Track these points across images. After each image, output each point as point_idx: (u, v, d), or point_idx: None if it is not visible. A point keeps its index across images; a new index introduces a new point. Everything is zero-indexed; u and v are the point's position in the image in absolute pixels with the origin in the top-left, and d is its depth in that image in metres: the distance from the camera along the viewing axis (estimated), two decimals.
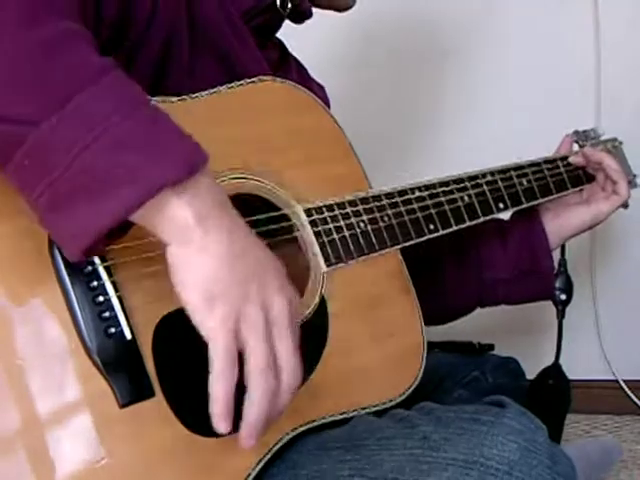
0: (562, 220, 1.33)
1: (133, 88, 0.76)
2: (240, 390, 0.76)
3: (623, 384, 1.95)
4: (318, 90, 1.29)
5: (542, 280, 1.32)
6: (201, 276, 0.75)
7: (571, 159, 1.34)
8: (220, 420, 0.75)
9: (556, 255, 1.36)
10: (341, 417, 0.97)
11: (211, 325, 0.74)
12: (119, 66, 0.76)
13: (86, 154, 0.71)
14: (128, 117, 0.73)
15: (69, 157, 0.71)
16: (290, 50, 1.31)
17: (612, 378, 1.96)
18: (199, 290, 0.74)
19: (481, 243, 1.33)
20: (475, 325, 1.80)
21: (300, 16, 1.24)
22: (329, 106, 1.23)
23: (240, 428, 0.77)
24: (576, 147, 1.41)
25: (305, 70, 1.33)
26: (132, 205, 0.72)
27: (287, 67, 1.27)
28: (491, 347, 1.39)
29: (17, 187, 0.75)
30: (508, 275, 1.32)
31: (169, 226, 0.74)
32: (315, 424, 0.95)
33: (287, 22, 1.24)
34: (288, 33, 1.27)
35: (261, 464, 0.88)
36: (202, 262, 0.75)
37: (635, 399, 1.93)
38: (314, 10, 1.27)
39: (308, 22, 1.27)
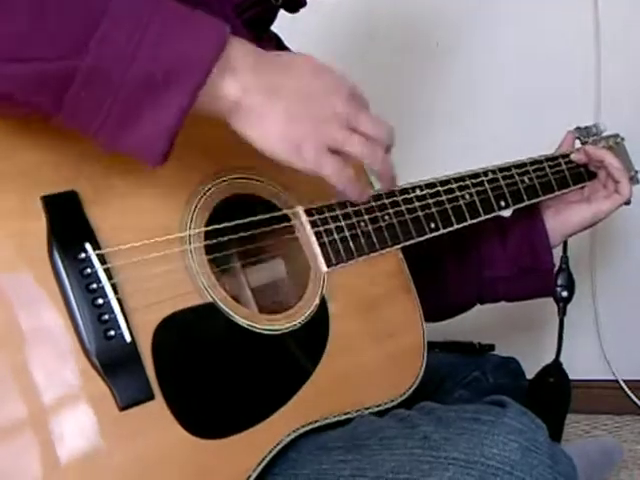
0: (563, 217, 1.33)
1: None
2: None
3: (623, 384, 1.95)
4: None
5: (542, 278, 1.32)
6: (274, 132, 0.83)
7: (572, 156, 1.34)
8: (363, 196, 0.94)
9: (558, 252, 1.35)
10: (343, 417, 0.97)
11: (311, 164, 0.85)
12: None
13: (135, 64, 0.75)
14: (157, 16, 0.76)
15: (121, 72, 0.75)
16: (291, 47, 1.31)
17: (612, 378, 1.96)
18: (280, 146, 0.84)
19: (481, 241, 1.33)
20: (475, 325, 1.80)
21: (294, 5, 1.24)
22: None
23: (382, 183, 0.97)
24: (578, 143, 1.41)
25: None
26: (192, 94, 0.77)
27: None
28: (491, 347, 1.39)
29: (76, 122, 0.77)
30: (508, 273, 1.32)
31: (224, 103, 0.81)
32: (317, 425, 0.95)
33: (286, 17, 1.23)
34: (287, 29, 1.27)
35: (262, 465, 0.88)
36: (269, 124, 0.83)
37: (635, 399, 1.93)
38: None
39: (309, 19, 1.27)
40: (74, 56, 0.73)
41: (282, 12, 1.23)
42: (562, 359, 1.34)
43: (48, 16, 0.74)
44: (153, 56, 0.75)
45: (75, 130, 0.79)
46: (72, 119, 0.77)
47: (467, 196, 1.18)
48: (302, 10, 1.26)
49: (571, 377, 1.35)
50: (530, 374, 1.34)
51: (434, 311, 1.16)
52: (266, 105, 0.82)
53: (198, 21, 0.80)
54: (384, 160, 0.91)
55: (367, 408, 0.99)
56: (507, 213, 1.31)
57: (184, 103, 0.77)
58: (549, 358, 1.34)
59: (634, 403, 1.93)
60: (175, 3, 0.80)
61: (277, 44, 1.29)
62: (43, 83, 0.74)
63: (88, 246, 0.83)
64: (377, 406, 1.00)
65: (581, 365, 1.69)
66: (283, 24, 1.26)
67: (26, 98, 0.76)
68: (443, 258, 1.34)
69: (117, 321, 0.82)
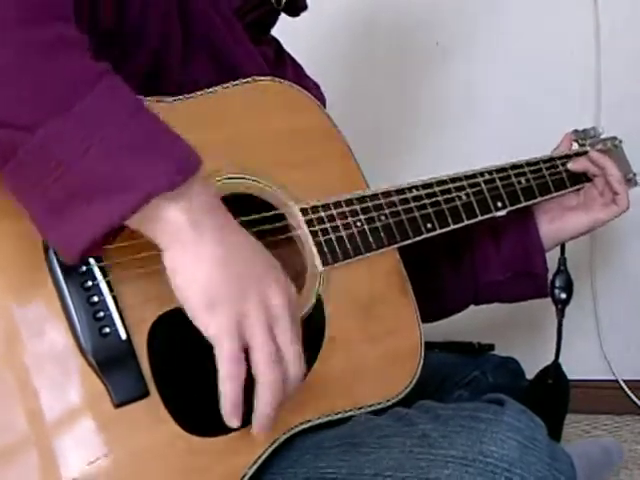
0: (558, 224, 1.33)
1: (128, 94, 0.77)
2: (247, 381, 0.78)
3: (623, 384, 1.94)
4: (313, 88, 1.29)
5: (536, 281, 1.33)
6: (199, 282, 0.77)
7: (570, 166, 1.33)
8: (232, 417, 0.78)
9: (556, 254, 1.35)
10: (338, 417, 0.97)
11: (214, 331, 0.77)
12: (114, 71, 0.77)
13: (82, 161, 0.72)
14: (123, 124, 0.74)
15: (64, 164, 0.72)
16: (291, 48, 1.31)
17: (612, 378, 1.96)
18: (198, 296, 0.77)
19: (475, 245, 1.33)
20: (475, 325, 1.80)
21: (295, 9, 1.24)
22: (324, 104, 1.23)
23: (253, 418, 0.80)
24: (576, 146, 1.40)
25: (300, 68, 1.33)
26: (127, 211, 0.73)
27: (283, 64, 1.27)
28: (491, 347, 1.38)
29: (12, 191, 0.76)
30: (502, 277, 1.32)
31: (163, 231, 0.76)
32: (312, 424, 0.94)
33: (287, 19, 1.23)
34: (288, 31, 1.27)
35: (257, 464, 0.88)
36: (198, 267, 0.77)
37: (635, 399, 1.93)
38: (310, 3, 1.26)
39: (309, 19, 1.27)
40: (25, 129, 0.72)
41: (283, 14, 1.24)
42: (562, 359, 1.34)
43: (19, 80, 0.73)
44: (106, 160, 0.72)
45: None
46: (11, 186, 0.76)
47: (464, 196, 1.18)
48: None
49: (571, 377, 1.35)
50: (530, 374, 1.34)
51: (429, 313, 1.16)
52: (206, 248, 0.77)
53: (170, 144, 0.76)
54: (275, 386, 0.79)
55: (362, 408, 0.99)
56: (503, 214, 1.31)
57: (112, 219, 0.73)
58: (549, 358, 1.34)
59: (634, 403, 1.92)
60: (155, 118, 0.77)
61: (277, 47, 1.29)
62: None
63: None
64: (372, 406, 1.00)
65: (581, 365, 1.69)
66: (283, 25, 1.26)
67: None
68: (438, 262, 1.34)
69: (112, 318, 0.82)
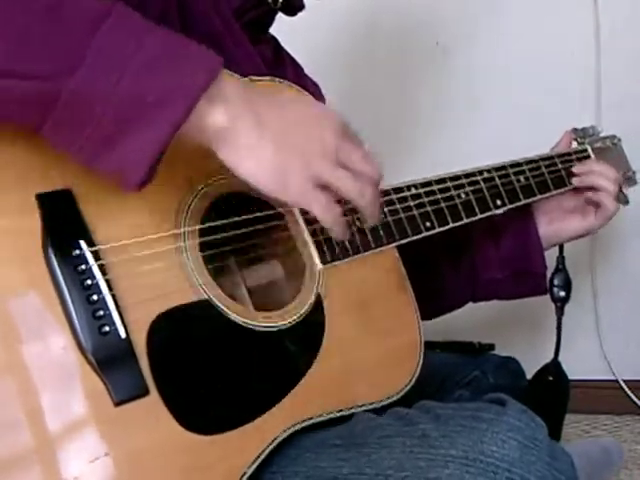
0: (557, 226, 1.33)
1: (138, 17, 0.79)
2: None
3: (623, 384, 1.94)
4: (312, 87, 1.29)
5: (535, 280, 1.33)
6: (262, 167, 0.83)
7: (574, 181, 1.33)
8: (348, 237, 0.96)
9: (555, 252, 1.36)
10: (338, 415, 0.97)
11: (298, 198, 0.85)
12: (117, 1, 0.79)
13: (120, 89, 0.75)
14: (144, 44, 0.77)
15: (106, 96, 0.75)
16: (291, 47, 1.31)
17: (612, 378, 1.96)
18: (268, 177, 0.83)
19: (475, 244, 1.33)
20: (475, 325, 1.81)
21: (293, 9, 1.24)
22: (324, 103, 1.23)
23: (365, 223, 1.01)
24: (574, 144, 1.41)
25: (299, 67, 1.33)
26: (178, 121, 0.77)
27: (281, 64, 1.27)
28: (491, 347, 1.38)
29: (58, 143, 0.78)
30: (501, 275, 1.33)
31: (210, 135, 0.81)
32: (312, 422, 0.94)
33: (287, 19, 1.23)
34: (288, 30, 1.27)
35: (257, 462, 0.88)
36: (255, 156, 0.83)
37: (635, 399, 1.93)
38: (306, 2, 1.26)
39: (309, 18, 1.27)
40: (59, 78, 0.74)
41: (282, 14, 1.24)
42: (562, 359, 1.34)
43: (36, 35, 0.74)
44: (138, 84, 0.76)
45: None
46: (54, 137, 0.78)
47: (463, 195, 1.18)
48: (303, 10, 1.26)
49: (571, 377, 1.35)
50: (530, 374, 1.34)
51: (428, 310, 1.16)
52: (254, 136, 0.82)
53: (192, 50, 0.80)
54: (371, 198, 0.90)
55: (362, 406, 0.99)
56: (501, 212, 1.31)
57: (164, 133, 0.77)
58: (549, 358, 1.35)
59: (634, 403, 1.93)
60: (170, 31, 0.80)
61: (275, 46, 1.29)
62: (25, 101, 0.75)
63: (82, 243, 0.83)
64: (373, 404, 1.00)
65: (581, 365, 1.69)
66: (283, 24, 1.26)
67: (7, 115, 0.77)
68: (437, 260, 1.34)
69: (112, 317, 0.82)
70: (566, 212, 1.34)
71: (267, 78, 1.05)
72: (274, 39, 1.29)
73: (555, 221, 1.33)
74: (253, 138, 0.82)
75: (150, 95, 0.76)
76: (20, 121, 0.78)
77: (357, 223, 1.05)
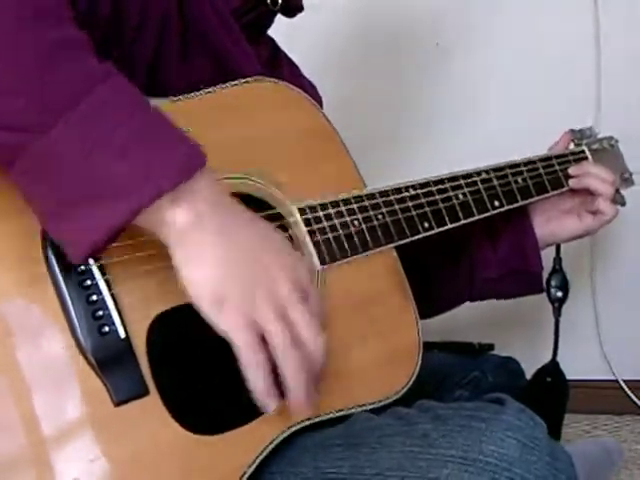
0: (554, 226, 1.33)
1: (133, 92, 0.78)
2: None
3: (623, 384, 1.94)
4: (309, 88, 1.29)
5: (531, 280, 1.33)
6: (205, 281, 0.78)
7: (571, 183, 1.33)
8: (267, 403, 0.80)
9: (552, 253, 1.35)
10: (337, 415, 0.97)
11: (226, 326, 0.78)
12: (118, 70, 0.78)
13: (87, 162, 0.73)
14: (128, 124, 0.75)
15: (71, 165, 0.73)
16: (288, 48, 1.31)
17: (612, 378, 1.96)
18: (206, 294, 0.78)
19: (472, 244, 1.33)
20: (475, 325, 1.81)
21: (291, 10, 1.24)
22: (321, 104, 1.24)
23: (287, 400, 0.82)
24: (572, 145, 1.41)
25: (296, 67, 1.33)
26: (131, 214, 0.74)
27: (279, 64, 1.27)
28: (491, 347, 1.39)
29: (21, 191, 0.77)
30: (498, 275, 1.32)
31: (168, 230, 0.78)
32: (311, 422, 0.94)
33: (284, 20, 1.23)
34: (286, 31, 1.27)
35: (256, 463, 0.88)
36: (203, 267, 0.78)
37: (635, 399, 1.92)
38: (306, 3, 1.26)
39: (308, 19, 1.27)
40: (31, 132, 0.73)
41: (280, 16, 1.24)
42: (562, 359, 1.34)
43: (23, 83, 0.73)
44: (110, 161, 0.74)
45: None
46: (18, 184, 0.77)
47: (461, 196, 1.18)
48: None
49: (571, 377, 1.35)
50: (529, 374, 1.34)
51: (425, 310, 1.15)
52: (209, 246, 0.78)
53: (175, 142, 0.77)
54: (296, 369, 0.81)
55: (361, 406, 0.99)
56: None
57: (123, 216, 0.74)
58: (548, 358, 1.35)
59: (634, 403, 1.92)
60: (160, 116, 0.78)
61: (272, 47, 1.29)
62: None
63: None
64: (372, 404, 1.00)
65: (581, 365, 1.69)
66: (281, 25, 1.26)
67: None
68: (435, 260, 1.34)
69: (111, 317, 0.82)
70: (563, 212, 1.34)
71: (265, 78, 1.06)
72: (271, 40, 1.29)
73: (552, 221, 1.33)
74: (207, 248, 0.78)
75: (118, 177, 0.74)
76: None
77: (355, 223, 1.05)
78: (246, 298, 0.79)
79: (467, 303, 1.39)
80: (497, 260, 1.32)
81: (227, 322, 0.78)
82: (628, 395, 1.93)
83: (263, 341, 0.79)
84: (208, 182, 0.79)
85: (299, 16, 1.26)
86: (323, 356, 0.83)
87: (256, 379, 0.79)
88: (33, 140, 0.72)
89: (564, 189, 1.32)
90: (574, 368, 1.37)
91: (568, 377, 1.35)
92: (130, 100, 0.77)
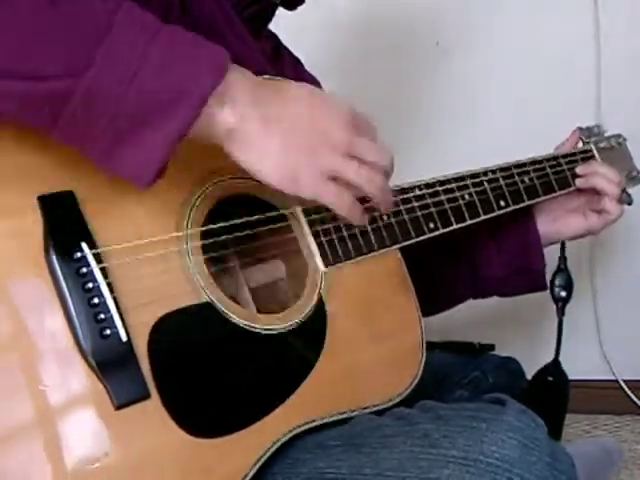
0: (559, 225, 1.33)
1: (147, 15, 0.80)
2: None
3: (623, 384, 1.95)
4: (312, 83, 1.29)
5: (534, 277, 1.33)
6: (273, 165, 0.85)
7: (578, 182, 1.33)
8: (365, 223, 1.00)
9: (556, 252, 1.35)
10: (340, 417, 0.97)
11: (311, 193, 0.87)
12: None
13: (131, 89, 0.76)
14: (154, 43, 0.78)
15: (118, 96, 0.76)
16: (292, 45, 1.31)
17: (612, 378, 1.96)
18: (278, 175, 0.85)
19: (475, 242, 1.33)
20: (475, 325, 1.81)
21: (292, 3, 1.24)
22: None
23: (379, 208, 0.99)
24: (580, 144, 1.40)
25: (299, 63, 1.33)
26: (189, 121, 0.79)
27: (281, 59, 1.27)
28: (491, 347, 1.38)
29: (71, 141, 0.79)
30: (502, 273, 1.33)
31: (221, 134, 0.83)
32: (314, 424, 0.94)
33: (288, 17, 1.23)
34: (289, 28, 1.27)
35: (258, 465, 0.88)
36: (265, 155, 0.84)
37: (635, 399, 1.93)
38: None
39: (309, 17, 1.26)
40: (71, 77, 0.74)
41: (283, 11, 1.24)
42: (562, 359, 1.34)
43: (47, 33, 0.75)
44: (149, 84, 0.77)
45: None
46: (67, 136, 0.79)
47: (467, 196, 1.18)
48: (302, 10, 1.26)
49: (571, 377, 1.35)
50: (530, 374, 1.34)
51: (428, 309, 1.15)
52: (262, 134, 0.84)
53: (198, 49, 0.81)
54: (382, 187, 0.92)
55: (365, 408, 0.99)
56: None
57: (177, 132, 0.79)
58: (549, 358, 1.34)
59: (634, 403, 1.93)
60: (176, 29, 0.81)
61: (275, 42, 1.29)
62: (37, 102, 0.76)
63: (84, 245, 0.83)
64: (375, 406, 1.00)
65: (581, 365, 1.69)
66: (283, 24, 1.26)
67: (20, 113, 0.77)
68: (438, 259, 1.34)
69: (113, 320, 0.82)
70: (568, 211, 1.34)
71: (268, 77, 1.05)
72: (274, 35, 1.29)
73: (557, 219, 1.33)
74: (262, 137, 0.84)
75: (161, 95, 0.77)
76: (33, 120, 0.78)
77: None
78: (313, 159, 0.86)
79: (467, 303, 1.40)
80: (500, 258, 1.32)
81: (310, 190, 0.87)
82: (628, 395, 1.94)
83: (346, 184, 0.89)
84: (241, 76, 0.84)
85: (299, 15, 1.26)
86: (392, 161, 0.93)
87: (354, 216, 0.92)
88: (74, 84, 0.74)
89: (571, 189, 1.32)
90: (574, 368, 1.37)
91: (568, 377, 1.35)
92: (148, 22, 0.79)
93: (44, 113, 0.76)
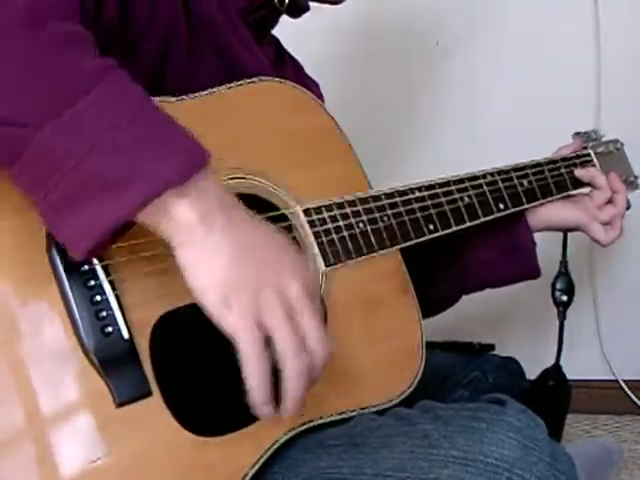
0: (548, 209, 1.31)
1: (135, 89, 0.77)
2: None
3: (623, 384, 1.95)
4: (313, 87, 1.29)
5: (525, 258, 1.30)
6: (211, 279, 0.76)
7: (577, 172, 1.33)
8: (263, 407, 0.77)
9: (557, 256, 1.35)
10: (340, 417, 0.97)
11: (232, 324, 0.76)
12: (120, 66, 0.77)
13: (90, 157, 0.72)
14: (131, 120, 0.74)
15: (73, 160, 0.72)
16: (293, 47, 1.31)
17: (612, 378, 1.96)
18: (212, 292, 0.76)
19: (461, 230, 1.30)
20: (475, 325, 1.81)
21: (297, 10, 1.23)
22: (323, 102, 1.23)
23: (282, 405, 0.79)
24: None
25: (300, 66, 1.33)
26: (135, 207, 0.73)
27: (283, 64, 1.27)
28: (491, 347, 1.38)
29: (22, 188, 0.76)
30: (490, 256, 1.30)
31: (173, 228, 0.76)
32: (313, 424, 0.95)
33: (287, 19, 1.23)
34: (289, 31, 1.27)
35: (259, 464, 0.88)
36: (209, 265, 0.76)
37: (635, 399, 1.93)
38: (312, 4, 1.25)
39: (310, 19, 1.27)
40: (30, 127, 0.72)
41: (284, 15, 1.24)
42: (562, 359, 1.34)
43: (22, 79, 0.73)
44: (110, 158, 0.72)
45: None
46: (18, 183, 0.76)
47: (466, 198, 1.18)
48: None
49: (571, 377, 1.35)
50: (530, 375, 1.34)
51: (424, 310, 1.14)
52: (218, 243, 0.76)
53: (178, 139, 0.76)
54: (302, 374, 0.78)
55: (365, 408, 0.99)
56: None
57: (122, 213, 0.73)
58: (549, 358, 1.34)
59: (634, 403, 1.93)
60: (161, 113, 0.77)
61: (277, 47, 1.29)
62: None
63: None
64: (375, 406, 1.00)
65: (581, 365, 1.69)
66: (284, 25, 1.26)
67: None
68: (424, 254, 1.32)
69: (115, 318, 0.82)
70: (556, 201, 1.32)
71: (270, 78, 1.06)
72: (276, 39, 1.29)
73: (547, 205, 1.31)
74: (216, 245, 0.76)
75: (117, 173, 0.73)
76: None
77: (360, 225, 1.05)
78: (253, 299, 0.76)
79: (468, 302, 1.38)
80: (486, 239, 1.29)
81: (233, 323, 0.76)
82: (628, 395, 1.94)
83: (266, 343, 0.77)
84: (212, 181, 0.78)
85: (301, 17, 1.26)
86: (325, 365, 0.81)
87: (258, 385, 0.76)
88: (30, 136, 0.71)
89: (569, 192, 1.32)
90: (574, 368, 1.38)
91: (568, 377, 1.35)
92: (131, 97, 0.76)
93: (1, 156, 0.75)
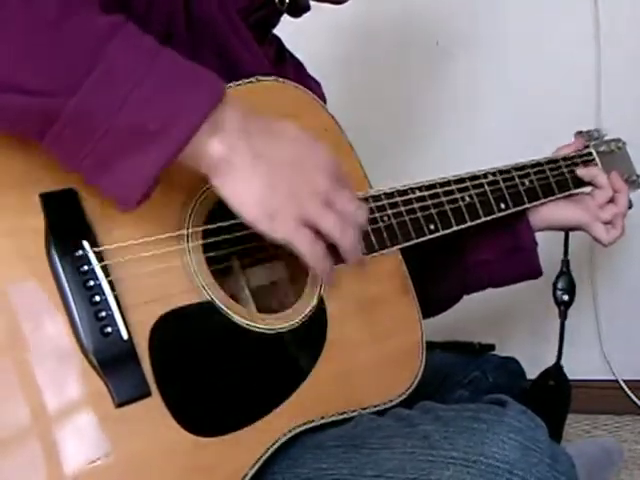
0: (548, 209, 1.30)
1: (145, 39, 0.80)
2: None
3: (623, 384, 1.95)
4: (315, 86, 1.29)
5: (526, 257, 1.29)
6: (252, 200, 0.83)
7: (579, 172, 1.33)
8: (330, 279, 0.94)
9: (559, 255, 1.35)
10: (340, 417, 0.97)
11: (283, 234, 0.85)
12: (128, 20, 0.80)
13: (121, 113, 0.75)
14: (149, 69, 0.77)
15: (107, 119, 0.75)
16: (293, 47, 1.31)
17: (612, 378, 1.96)
18: (255, 211, 0.83)
19: (461, 230, 1.30)
20: (476, 325, 1.81)
21: (298, 10, 1.23)
22: (325, 102, 1.23)
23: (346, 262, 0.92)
24: None
25: (302, 66, 1.33)
26: (174, 151, 0.78)
27: (284, 63, 1.27)
28: (491, 347, 1.38)
29: (58, 156, 0.79)
30: (491, 255, 1.29)
31: (207, 164, 0.82)
32: (314, 424, 0.94)
33: (287, 19, 1.23)
34: (290, 30, 1.27)
35: (258, 464, 0.88)
36: (246, 188, 0.83)
37: (635, 399, 1.93)
38: (312, 4, 1.25)
39: (311, 19, 1.27)
40: (60, 95, 0.74)
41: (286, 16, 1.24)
42: (562, 359, 1.34)
43: (41, 51, 0.74)
44: (141, 109, 0.76)
45: None
46: (54, 152, 0.78)
47: (467, 198, 1.17)
48: None
49: (571, 377, 1.35)
50: (530, 374, 1.34)
51: (424, 310, 1.14)
52: (248, 169, 0.83)
53: (194, 79, 0.80)
54: (354, 241, 0.91)
55: (365, 408, 0.99)
56: None
57: (164, 159, 0.78)
58: (549, 358, 1.34)
59: (634, 403, 1.93)
60: (174, 56, 0.80)
61: (278, 46, 1.29)
62: (25, 117, 0.75)
63: (85, 243, 0.83)
64: (376, 406, 1.00)
65: (581, 365, 1.69)
66: (284, 25, 1.26)
67: (8, 127, 0.78)
68: (425, 254, 1.32)
69: (114, 318, 0.82)
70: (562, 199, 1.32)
71: (271, 78, 1.05)
72: (277, 39, 1.29)
73: (549, 204, 1.31)
74: (247, 171, 0.83)
75: (151, 123, 0.77)
76: (22, 134, 0.79)
77: None
78: (292, 202, 0.85)
79: (468, 302, 1.38)
80: (488, 239, 1.29)
81: (282, 230, 0.84)
82: (628, 395, 1.94)
83: (317, 232, 0.87)
84: (234, 107, 0.82)
85: (301, 17, 1.26)
86: (366, 215, 0.93)
87: (322, 268, 0.89)
88: (64, 103, 0.74)
89: (571, 192, 1.32)
90: (574, 368, 1.37)
91: (569, 377, 1.35)
92: (144, 48, 0.79)
93: (31, 128, 0.76)
